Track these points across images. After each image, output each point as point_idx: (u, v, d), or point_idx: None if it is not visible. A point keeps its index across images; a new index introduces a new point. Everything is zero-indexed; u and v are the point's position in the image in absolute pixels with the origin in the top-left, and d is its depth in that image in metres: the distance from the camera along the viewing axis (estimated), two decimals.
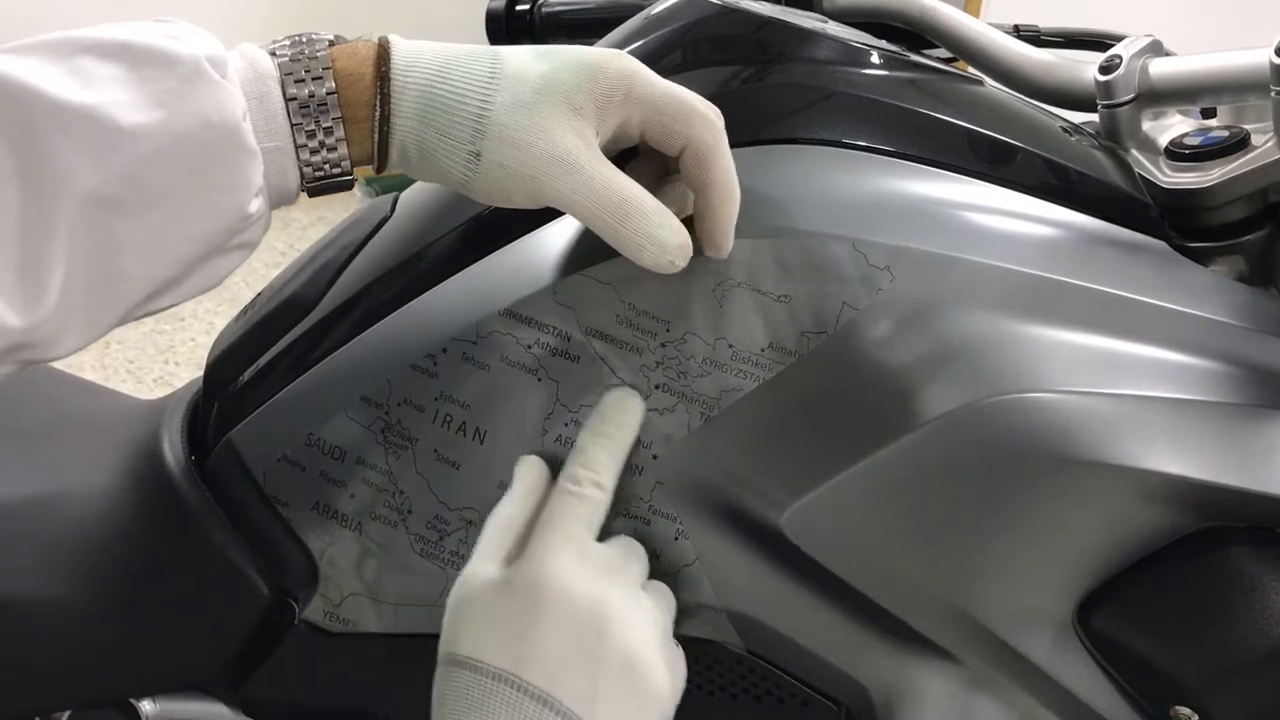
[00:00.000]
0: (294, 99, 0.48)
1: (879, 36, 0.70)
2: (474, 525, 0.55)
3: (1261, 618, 0.48)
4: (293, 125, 0.48)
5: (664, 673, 0.49)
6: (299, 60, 0.48)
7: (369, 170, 0.51)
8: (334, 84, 0.48)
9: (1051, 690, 0.53)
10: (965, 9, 0.75)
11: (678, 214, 0.51)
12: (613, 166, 0.49)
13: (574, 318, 0.53)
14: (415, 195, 0.67)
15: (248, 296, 0.71)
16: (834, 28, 0.64)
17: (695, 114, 0.49)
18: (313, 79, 0.48)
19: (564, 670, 0.47)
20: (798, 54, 0.60)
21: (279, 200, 0.50)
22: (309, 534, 0.58)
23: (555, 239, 0.56)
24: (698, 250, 0.51)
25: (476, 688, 0.47)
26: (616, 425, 0.52)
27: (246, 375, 0.62)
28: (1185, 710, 0.51)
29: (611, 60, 0.50)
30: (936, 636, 0.53)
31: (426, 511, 0.56)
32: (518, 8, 0.82)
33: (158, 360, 2.64)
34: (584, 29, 0.80)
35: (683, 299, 0.53)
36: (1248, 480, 0.49)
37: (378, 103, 0.48)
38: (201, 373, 0.66)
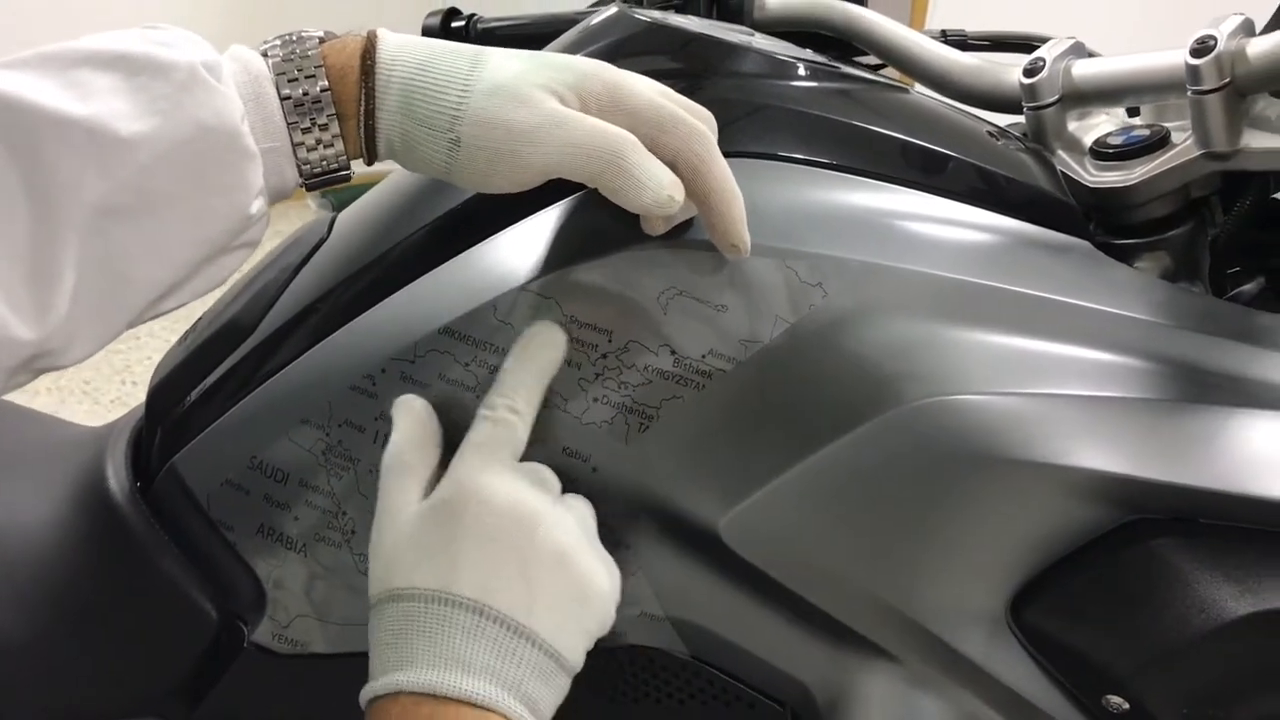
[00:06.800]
0: (288, 98, 0.48)
1: (808, 45, 0.71)
2: None
3: (1185, 606, 0.50)
4: (289, 124, 0.49)
5: (600, 568, 0.50)
6: (291, 60, 0.49)
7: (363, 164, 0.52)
8: (326, 82, 0.49)
9: (989, 685, 0.54)
10: (910, 17, 0.76)
11: (673, 219, 0.53)
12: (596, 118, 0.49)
13: (512, 334, 0.54)
14: (352, 215, 0.67)
15: None
16: (760, 41, 0.65)
17: (682, 125, 0.50)
18: (305, 77, 0.49)
19: (496, 577, 0.47)
20: (724, 68, 0.61)
21: (277, 197, 0.51)
22: (255, 557, 0.59)
23: (492, 256, 0.56)
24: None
25: (407, 615, 0.47)
26: (534, 355, 0.52)
27: (188, 400, 0.62)
28: (1117, 699, 0.52)
29: (596, 67, 0.50)
30: (875, 636, 0.54)
31: (370, 532, 0.56)
32: (453, 24, 0.83)
33: (114, 380, 2.62)
34: (518, 45, 0.80)
35: (627, 308, 0.53)
36: (1169, 473, 0.50)
37: (362, 97, 0.49)
38: None
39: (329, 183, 0.52)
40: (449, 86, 0.49)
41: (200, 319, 0.68)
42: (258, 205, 0.48)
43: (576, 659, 0.49)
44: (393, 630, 0.47)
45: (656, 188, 0.48)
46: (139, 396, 0.66)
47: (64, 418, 0.82)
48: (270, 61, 0.49)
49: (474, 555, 0.47)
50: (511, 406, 0.51)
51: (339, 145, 0.50)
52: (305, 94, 0.49)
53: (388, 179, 0.69)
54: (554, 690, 0.47)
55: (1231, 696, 0.52)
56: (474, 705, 0.44)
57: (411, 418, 0.53)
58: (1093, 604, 0.52)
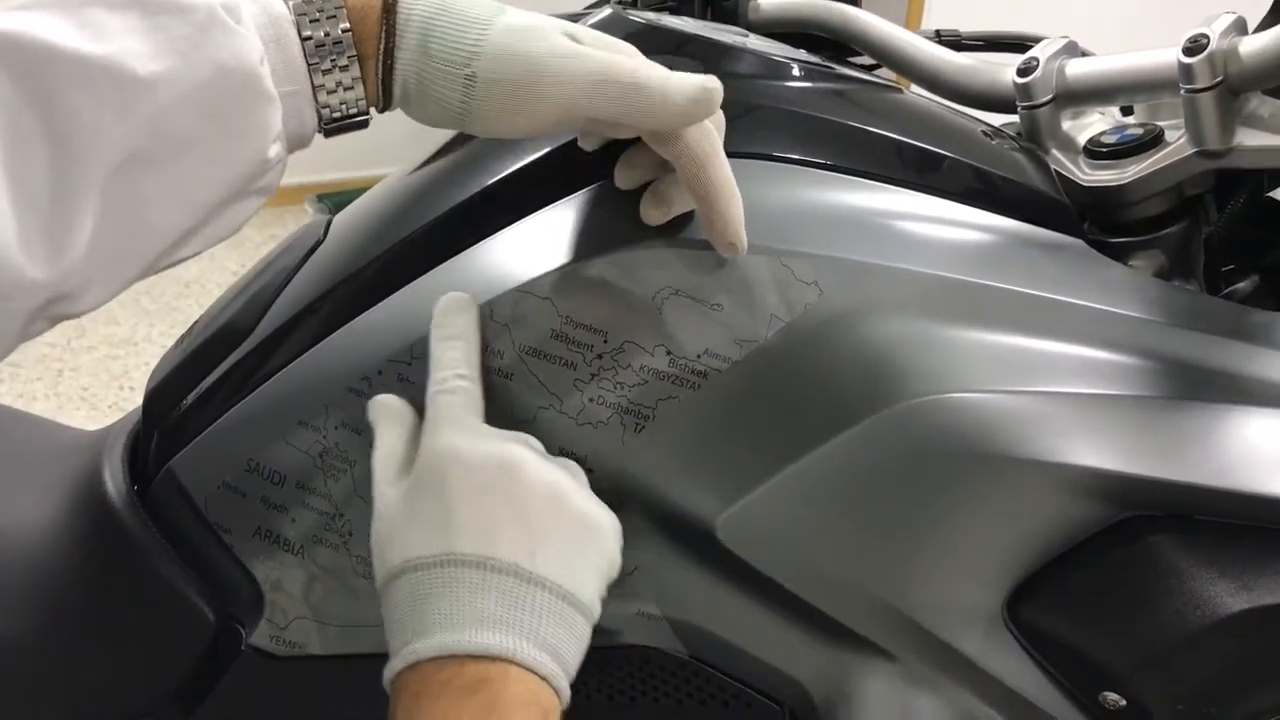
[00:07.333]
0: (309, 39, 0.48)
1: (803, 46, 0.71)
2: None
3: (1181, 603, 0.50)
4: (310, 66, 0.48)
5: (596, 505, 0.50)
6: (312, 1, 0.48)
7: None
8: (348, 23, 0.48)
9: (986, 683, 0.54)
10: (906, 18, 0.76)
11: (671, 211, 0.52)
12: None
13: (508, 335, 0.54)
14: (348, 218, 0.67)
15: None
16: (754, 41, 0.65)
17: None
18: (327, 18, 0.48)
19: (493, 528, 0.46)
20: (719, 69, 0.60)
21: (296, 144, 0.50)
22: (252, 560, 0.59)
23: (487, 258, 0.56)
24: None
25: (414, 586, 0.46)
26: (458, 326, 0.52)
27: (185, 403, 0.62)
28: (1114, 696, 0.52)
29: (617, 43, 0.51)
30: (872, 635, 0.55)
31: (368, 534, 0.56)
32: None
33: (112, 386, 2.62)
34: None
35: (622, 308, 0.53)
36: (1164, 470, 0.50)
37: (382, 35, 0.49)
38: None
39: (346, 129, 0.51)
40: (469, 27, 0.48)
41: (197, 322, 0.68)
42: (275, 150, 0.48)
43: (590, 600, 0.48)
44: (403, 606, 0.46)
45: (680, 88, 0.48)
46: (137, 403, 0.66)
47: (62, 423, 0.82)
48: (291, 3, 0.48)
49: (467, 512, 0.47)
50: (459, 374, 0.51)
51: (359, 88, 0.49)
52: (326, 35, 0.48)
53: (384, 181, 0.69)
54: (574, 636, 0.46)
55: (1227, 692, 0.52)
56: (494, 659, 0.44)
57: (390, 415, 0.53)
58: (1089, 601, 0.52)
